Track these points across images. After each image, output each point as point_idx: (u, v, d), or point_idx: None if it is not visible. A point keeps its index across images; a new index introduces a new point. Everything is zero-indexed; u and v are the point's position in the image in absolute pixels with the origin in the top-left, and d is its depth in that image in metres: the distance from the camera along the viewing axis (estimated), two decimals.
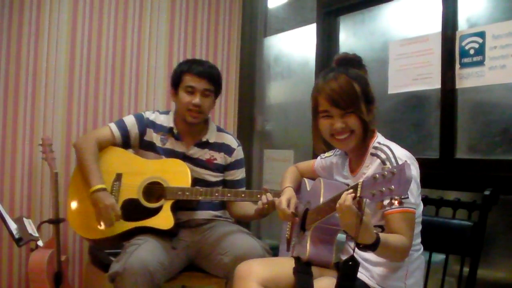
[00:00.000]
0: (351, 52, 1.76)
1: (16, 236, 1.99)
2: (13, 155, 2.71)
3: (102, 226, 2.08)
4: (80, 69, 2.88)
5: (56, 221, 2.54)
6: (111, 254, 2.35)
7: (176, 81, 2.25)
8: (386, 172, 1.25)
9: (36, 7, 2.75)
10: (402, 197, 1.25)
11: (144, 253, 1.94)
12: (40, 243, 2.24)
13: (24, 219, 2.12)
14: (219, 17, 3.31)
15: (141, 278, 1.87)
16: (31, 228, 2.12)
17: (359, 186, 1.34)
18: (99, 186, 2.08)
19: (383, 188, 1.25)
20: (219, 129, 2.37)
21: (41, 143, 2.61)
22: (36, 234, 2.14)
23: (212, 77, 2.22)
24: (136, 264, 1.89)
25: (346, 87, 1.59)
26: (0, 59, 2.67)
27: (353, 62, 1.69)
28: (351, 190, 1.36)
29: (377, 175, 1.27)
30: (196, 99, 2.18)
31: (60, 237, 2.55)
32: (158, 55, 3.10)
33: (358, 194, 1.32)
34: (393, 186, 1.23)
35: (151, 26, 3.08)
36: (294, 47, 3.13)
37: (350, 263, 1.35)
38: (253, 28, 3.38)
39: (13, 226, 2.01)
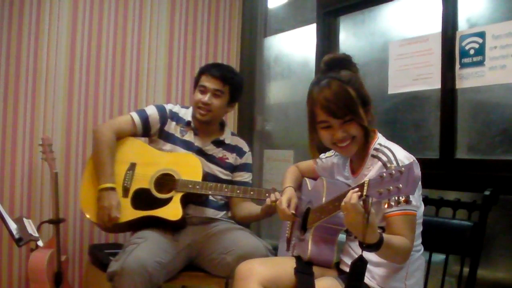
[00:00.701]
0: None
1: (16, 236, 1.99)
2: (13, 155, 2.71)
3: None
4: (80, 69, 2.88)
5: (56, 221, 2.54)
6: (111, 254, 2.35)
7: (195, 82, 2.35)
8: (393, 171, 1.25)
9: (36, 7, 2.75)
10: (410, 196, 1.24)
11: (142, 253, 1.94)
12: (40, 243, 2.24)
13: (24, 219, 2.12)
14: (219, 17, 3.31)
15: (139, 278, 1.88)
16: (31, 228, 2.12)
17: (365, 184, 1.33)
18: (109, 185, 2.13)
19: (391, 187, 1.24)
20: (233, 134, 2.48)
21: (41, 143, 2.61)
22: (36, 234, 2.14)
23: (224, 79, 2.28)
24: (133, 264, 1.89)
25: (341, 95, 1.56)
26: (0, 59, 2.67)
27: (343, 62, 1.65)
28: (357, 189, 1.35)
29: (384, 174, 1.27)
30: (205, 98, 2.26)
31: (60, 237, 2.55)
32: (158, 55, 3.10)
33: (364, 193, 1.32)
34: (401, 185, 1.23)
35: (151, 26, 3.08)
36: (294, 47, 3.13)
37: (359, 262, 1.35)
38: (253, 28, 3.37)
39: (13, 226, 2.01)
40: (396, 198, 1.24)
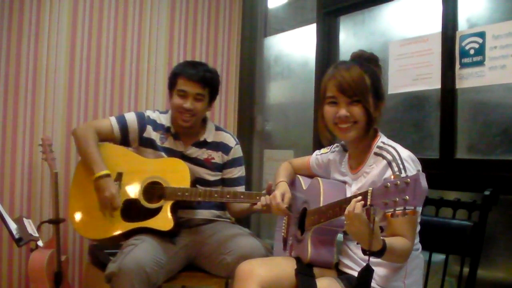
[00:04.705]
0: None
1: (16, 236, 1.99)
2: (13, 155, 2.71)
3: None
4: (80, 68, 2.88)
5: (56, 221, 2.54)
6: (111, 254, 2.35)
7: (171, 83, 2.25)
8: (398, 182, 1.22)
9: (36, 7, 2.75)
10: (417, 208, 1.22)
11: (140, 253, 1.94)
12: (40, 243, 2.24)
13: (24, 219, 2.13)
14: (219, 17, 3.31)
15: (137, 278, 1.88)
16: (31, 228, 2.12)
17: (368, 194, 1.32)
18: (104, 172, 2.09)
19: (397, 199, 1.22)
20: (218, 128, 2.37)
21: (41, 143, 2.61)
22: (36, 234, 2.14)
23: (205, 81, 2.19)
24: (131, 264, 1.89)
25: (356, 77, 1.59)
26: (0, 59, 2.67)
27: (369, 60, 1.70)
28: (360, 197, 1.34)
29: (389, 184, 1.25)
30: (187, 103, 2.16)
31: (60, 237, 2.55)
32: (158, 55, 3.10)
33: (368, 202, 1.31)
34: (407, 197, 1.20)
35: (151, 26, 3.08)
36: (294, 47, 3.13)
37: (365, 272, 1.34)
38: (253, 28, 3.38)
39: (13, 226, 2.02)
40: (403, 208, 1.21)
